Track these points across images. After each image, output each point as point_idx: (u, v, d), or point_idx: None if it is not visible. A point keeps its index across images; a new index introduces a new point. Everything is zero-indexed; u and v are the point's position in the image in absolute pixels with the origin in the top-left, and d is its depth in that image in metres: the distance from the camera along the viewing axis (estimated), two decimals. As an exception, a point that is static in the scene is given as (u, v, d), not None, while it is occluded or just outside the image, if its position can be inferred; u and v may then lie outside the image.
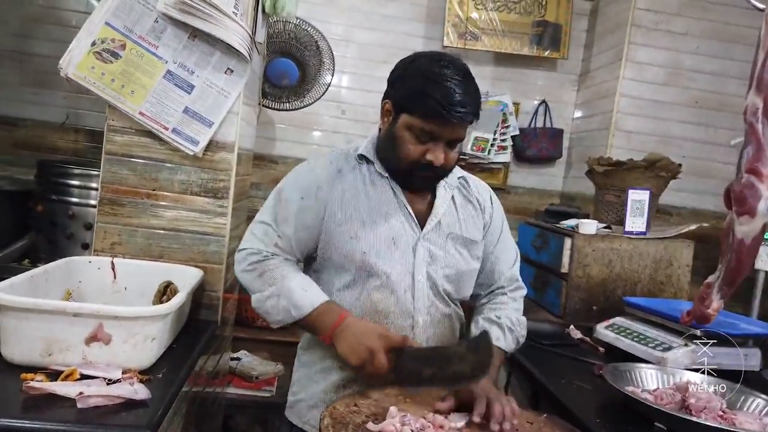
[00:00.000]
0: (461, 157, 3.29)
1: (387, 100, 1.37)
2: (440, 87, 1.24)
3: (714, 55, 2.95)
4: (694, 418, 1.25)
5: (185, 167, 1.68)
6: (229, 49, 1.63)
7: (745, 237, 1.00)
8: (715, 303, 1.04)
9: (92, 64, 1.57)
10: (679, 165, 2.32)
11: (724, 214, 2.83)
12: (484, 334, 1.24)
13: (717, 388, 1.46)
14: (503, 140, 3.30)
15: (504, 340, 1.41)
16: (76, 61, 1.57)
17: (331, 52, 2.79)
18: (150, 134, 1.65)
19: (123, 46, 1.59)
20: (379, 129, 1.44)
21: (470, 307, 1.57)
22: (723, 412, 1.32)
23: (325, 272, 1.41)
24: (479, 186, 1.55)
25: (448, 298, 1.42)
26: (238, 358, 2.44)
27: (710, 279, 1.08)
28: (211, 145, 1.68)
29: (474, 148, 3.23)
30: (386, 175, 1.41)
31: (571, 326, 2.06)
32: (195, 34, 1.62)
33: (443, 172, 1.37)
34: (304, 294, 1.31)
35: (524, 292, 1.57)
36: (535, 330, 2.00)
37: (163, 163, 1.68)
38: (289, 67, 2.61)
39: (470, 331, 1.47)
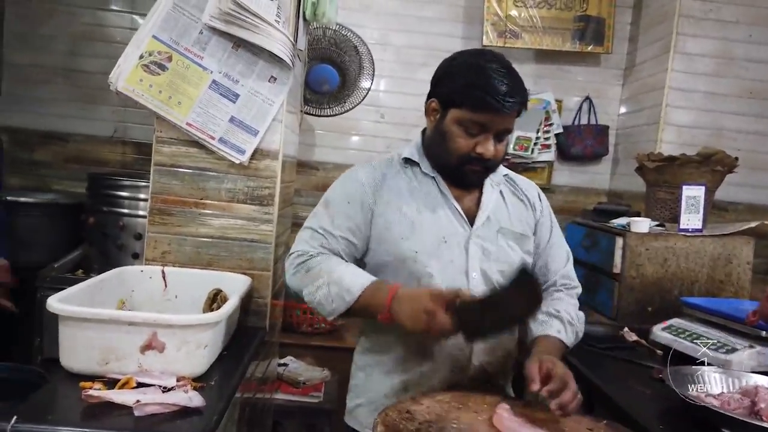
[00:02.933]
0: (505, 157, 3.25)
1: (432, 98, 1.39)
2: (487, 78, 1.26)
3: (759, 42, 2.83)
4: (765, 424, 1.19)
5: (231, 175, 1.70)
6: (272, 57, 1.64)
7: None
8: None
9: (140, 76, 1.61)
10: (736, 158, 2.22)
11: (784, 208, 2.71)
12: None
13: (788, 392, 1.39)
14: (546, 139, 3.23)
15: (565, 333, 1.39)
16: (125, 75, 1.60)
17: (371, 56, 2.79)
18: (196, 144, 1.67)
19: (169, 58, 1.61)
20: (422, 132, 1.48)
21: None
22: (797, 417, 1.25)
23: (379, 277, 1.38)
24: (526, 183, 1.54)
25: None
26: (285, 364, 2.45)
27: None
28: (256, 153, 1.69)
29: (517, 147, 3.18)
30: (432, 175, 1.42)
31: (626, 328, 1.99)
32: (239, 43, 1.63)
33: (493, 165, 1.36)
34: (354, 278, 1.30)
35: (579, 290, 1.55)
36: (587, 332, 1.92)
37: (210, 172, 1.70)
38: (330, 73, 2.62)
39: (530, 328, 1.43)
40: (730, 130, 2.82)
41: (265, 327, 1.74)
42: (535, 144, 3.18)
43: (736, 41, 2.80)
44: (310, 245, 1.39)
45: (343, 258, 1.40)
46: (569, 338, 1.40)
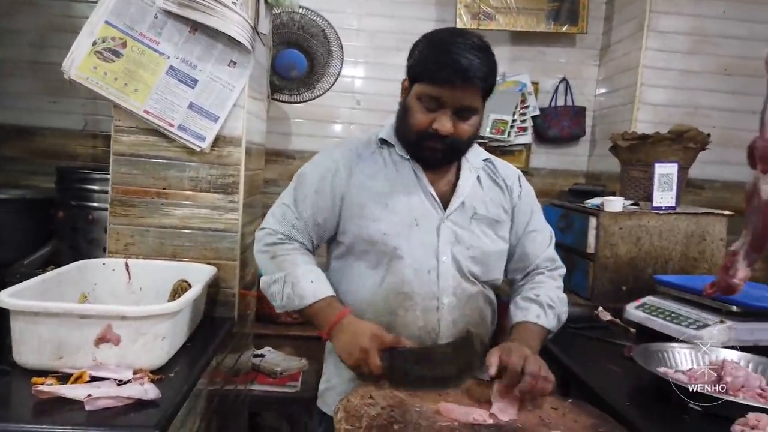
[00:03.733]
0: (481, 141, 3.22)
1: (405, 77, 1.38)
2: (448, 52, 1.25)
3: (742, 19, 2.81)
4: (731, 398, 1.18)
5: (193, 164, 1.66)
6: (231, 41, 1.60)
7: None
8: (741, 272, 0.96)
9: (94, 64, 1.56)
10: (708, 135, 2.21)
11: (760, 185, 2.72)
12: (468, 335, 1.19)
13: (756, 365, 1.38)
14: (523, 121, 3.21)
15: (545, 317, 1.38)
16: (77, 62, 1.56)
17: (339, 41, 2.73)
18: (157, 133, 1.63)
19: (124, 44, 1.57)
20: None
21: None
22: (762, 390, 1.25)
23: (351, 257, 1.40)
24: (507, 168, 1.51)
25: (475, 279, 1.39)
26: (262, 355, 2.43)
27: (735, 246, 0.99)
28: (219, 141, 1.66)
29: (493, 131, 3.16)
30: (407, 157, 1.40)
31: (600, 308, 1.99)
32: (195, 27, 1.59)
33: (454, 144, 1.31)
34: (310, 285, 1.32)
35: (563, 270, 1.54)
36: (563, 313, 1.94)
37: (172, 161, 1.66)
38: (297, 58, 2.57)
39: (511, 314, 1.43)
40: (705, 107, 2.82)
41: (234, 317, 1.71)
42: (512, 127, 3.16)
43: (710, 18, 2.78)
44: (280, 224, 1.40)
45: (312, 239, 1.41)
46: (549, 322, 1.38)
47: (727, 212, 2.13)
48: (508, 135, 3.17)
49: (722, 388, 1.24)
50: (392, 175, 1.39)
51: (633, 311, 1.84)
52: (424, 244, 1.34)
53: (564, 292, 2.22)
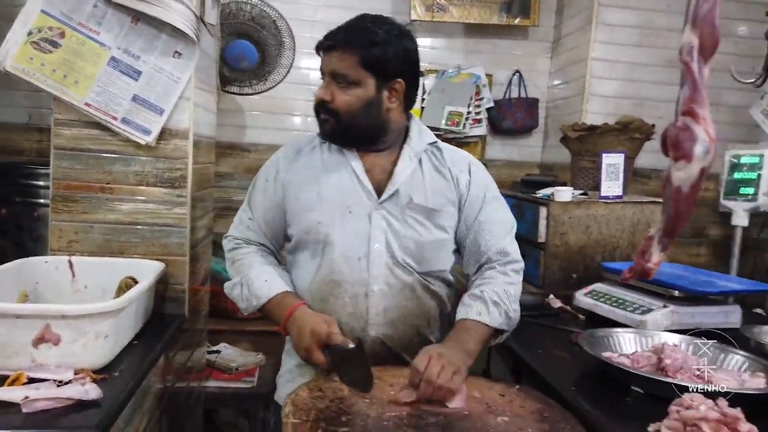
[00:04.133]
0: (436, 133, 3.24)
1: None
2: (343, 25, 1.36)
3: (683, 12, 2.89)
4: (668, 379, 1.22)
5: (139, 158, 1.62)
6: (175, 32, 1.55)
7: (683, 184, 0.95)
8: (656, 256, 0.99)
9: (30, 54, 1.50)
10: (653, 125, 2.28)
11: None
12: (359, 344, 1.19)
13: (695, 347, 1.44)
14: (478, 113, 3.24)
15: (487, 315, 1.33)
16: (13, 53, 1.49)
17: (291, 32, 2.71)
18: (100, 126, 1.58)
19: (62, 34, 1.51)
20: None
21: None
22: (700, 371, 1.29)
23: (297, 251, 1.44)
24: (455, 156, 1.46)
25: (410, 269, 1.37)
26: (217, 351, 2.39)
27: (652, 232, 1.03)
28: (165, 134, 1.61)
29: (448, 122, 3.18)
30: (344, 148, 1.42)
31: (551, 295, 2.03)
32: (137, 17, 1.55)
33: (336, 114, 1.35)
34: (264, 284, 1.37)
35: (519, 265, 1.46)
36: (515, 302, 1.98)
37: (116, 155, 1.61)
38: (248, 49, 2.53)
39: (457, 312, 1.39)
40: (651, 99, 2.89)
41: (184, 314, 1.68)
42: (467, 119, 3.19)
43: (655, 11, 2.86)
44: (238, 229, 1.49)
45: (269, 240, 1.47)
46: (494, 319, 1.34)
47: (658, 200, 2.20)
48: (463, 127, 3.20)
49: (662, 370, 1.29)
50: (328, 166, 1.41)
51: (582, 298, 1.89)
52: (356, 231, 1.35)
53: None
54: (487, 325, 1.34)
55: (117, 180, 1.62)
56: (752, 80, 1.39)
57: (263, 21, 2.56)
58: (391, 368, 1.27)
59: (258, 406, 2.26)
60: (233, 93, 2.73)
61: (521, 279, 1.46)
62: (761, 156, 2.14)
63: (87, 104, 1.54)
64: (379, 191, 1.38)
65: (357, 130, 1.37)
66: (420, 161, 1.41)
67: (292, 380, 1.42)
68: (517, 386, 1.25)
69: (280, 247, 1.50)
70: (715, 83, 1.83)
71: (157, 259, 1.62)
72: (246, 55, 2.53)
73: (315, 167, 1.42)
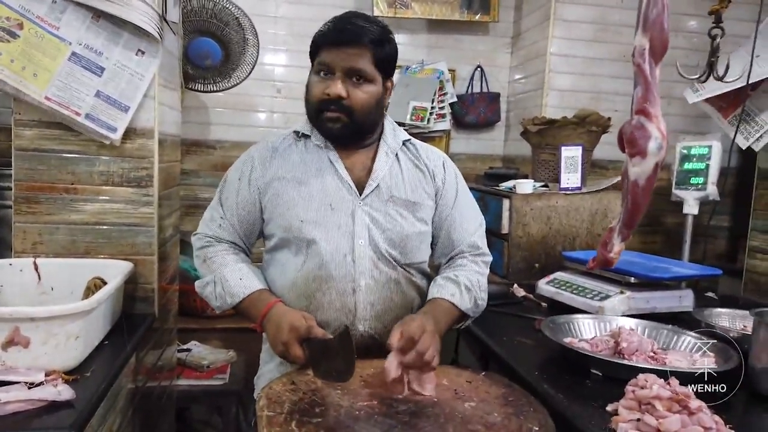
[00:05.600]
0: (401, 127, 3.28)
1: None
2: (337, 21, 1.34)
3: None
4: (625, 361, 1.29)
5: (103, 157, 1.61)
6: (137, 30, 1.55)
7: (638, 178, 1.02)
8: (617, 246, 1.06)
9: (-12, 46, 1.47)
10: (609, 119, 2.36)
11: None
12: (345, 330, 1.18)
13: (650, 330, 1.51)
14: (441, 108, 3.29)
15: (459, 297, 1.40)
16: (-32, 45, 1.46)
17: (254, 29, 2.70)
18: (62, 126, 1.56)
19: (20, 26, 1.48)
20: None
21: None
22: (654, 353, 1.37)
23: (278, 250, 1.43)
24: (430, 152, 1.51)
25: (395, 262, 1.41)
26: (188, 349, 2.39)
27: (613, 223, 1.09)
28: (130, 133, 1.61)
29: (413, 117, 3.22)
30: (323, 144, 1.43)
31: (515, 285, 2.10)
32: (99, 14, 1.53)
33: (350, 112, 1.34)
34: (239, 282, 1.37)
35: (488, 258, 1.54)
36: (481, 292, 2.03)
37: (80, 155, 1.60)
38: (211, 47, 2.51)
39: (428, 292, 1.45)
40: (607, 92, 2.99)
41: (154, 313, 1.68)
42: (431, 114, 3.23)
43: (609, 7, 2.94)
44: (209, 227, 1.46)
45: (241, 238, 1.46)
46: (464, 303, 1.40)
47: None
48: (428, 122, 3.24)
49: (619, 353, 1.36)
50: (307, 163, 1.41)
51: (544, 286, 1.96)
52: (340, 228, 1.37)
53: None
54: (457, 307, 1.40)
55: (81, 180, 1.61)
56: (697, 76, 1.47)
57: (226, 18, 2.55)
58: (363, 361, 1.30)
59: (230, 403, 2.27)
60: (197, 91, 2.71)
61: (488, 272, 1.53)
62: (710, 147, 2.25)
63: (47, 98, 1.51)
64: (360, 187, 1.40)
65: (365, 128, 1.39)
66: (397, 157, 1.45)
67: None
68: (483, 373, 1.30)
69: (251, 245, 1.50)
70: (666, 77, 1.92)
71: (125, 259, 1.62)
72: (210, 52, 2.51)
73: (294, 165, 1.41)
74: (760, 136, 2.06)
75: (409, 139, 1.50)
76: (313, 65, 1.38)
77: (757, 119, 2.06)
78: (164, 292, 1.84)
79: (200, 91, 2.75)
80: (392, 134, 1.47)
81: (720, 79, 1.49)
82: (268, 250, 1.47)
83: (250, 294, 1.36)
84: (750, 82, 1.92)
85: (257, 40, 2.72)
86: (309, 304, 1.36)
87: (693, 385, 1.13)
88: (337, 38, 1.30)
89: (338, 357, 1.18)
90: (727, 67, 1.50)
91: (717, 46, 1.44)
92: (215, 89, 2.73)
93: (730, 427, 1.04)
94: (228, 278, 1.37)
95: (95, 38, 1.54)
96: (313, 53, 1.38)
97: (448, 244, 1.50)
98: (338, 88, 1.31)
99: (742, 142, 2.10)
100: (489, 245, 2.34)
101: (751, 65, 1.95)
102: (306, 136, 1.45)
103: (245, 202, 1.43)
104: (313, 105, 1.36)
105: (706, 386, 1.17)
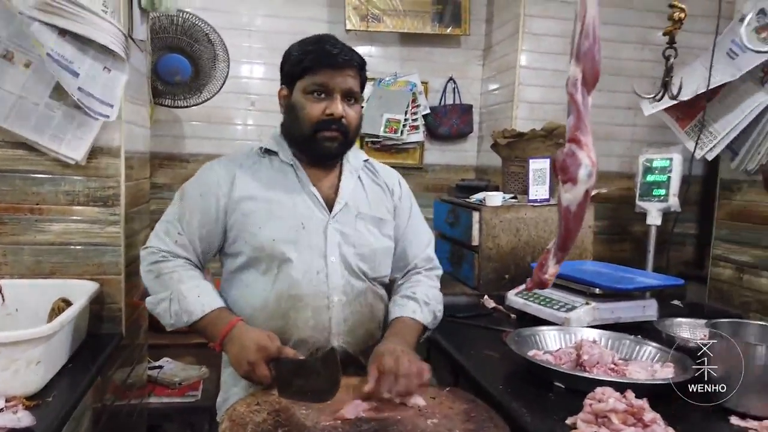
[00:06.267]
0: (375, 139, 3.31)
1: (281, 86, 1.46)
2: (319, 43, 1.38)
3: (608, 22, 3.04)
4: (585, 374, 1.31)
5: (68, 177, 1.60)
6: (103, 49, 1.55)
7: (570, 204, 1.05)
8: (551, 269, 1.09)
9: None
10: (575, 131, 2.41)
11: (628, 174, 2.98)
12: (331, 351, 1.22)
13: (613, 341, 1.54)
14: (414, 120, 3.33)
15: (420, 313, 1.46)
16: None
17: (224, 44, 2.71)
18: (25, 146, 1.55)
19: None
20: (281, 124, 1.50)
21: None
22: (615, 364, 1.39)
23: (244, 269, 1.42)
24: (386, 171, 1.60)
25: (364, 276, 1.44)
26: (159, 367, 2.37)
27: (549, 246, 1.12)
28: (95, 152, 1.60)
29: (387, 129, 3.25)
30: (291, 162, 1.44)
31: (485, 296, 2.12)
32: (64, 33, 1.53)
33: (347, 130, 1.40)
34: (197, 299, 1.34)
35: (440, 272, 1.63)
36: (452, 304, 2.04)
37: (44, 175, 1.59)
38: (181, 63, 2.52)
39: (389, 311, 1.49)
40: (576, 104, 3.04)
41: (121, 332, 1.67)
42: (404, 126, 3.27)
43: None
44: (163, 242, 1.41)
45: (198, 256, 1.43)
46: (425, 318, 1.47)
47: (593, 191, 2.33)
48: (401, 133, 3.27)
49: (580, 366, 1.39)
50: (276, 181, 1.42)
51: (513, 298, 1.99)
52: (311, 246, 1.38)
53: (454, 282, 2.37)
54: (420, 322, 1.45)
55: (47, 200, 1.60)
56: (652, 95, 1.52)
57: (196, 35, 2.56)
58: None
59: (203, 420, 2.26)
60: (168, 106, 2.70)
61: (439, 284, 1.61)
62: (671, 159, 2.30)
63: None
64: (329, 205, 1.43)
65: (349, 145, 1.46)
66: (359, 176, 1.50)
67: None
68: (448, 388, 1.31)
69: (206, 263, 1.47)
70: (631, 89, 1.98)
71: (91, 279, 1.61)
72: (179, 68, 2.51)
73: (262, 183, 1.42)
74: (714, 146, 2.11)
75: (368, 159, 1.56)
76: (296, 86, 1.40)
77: (711, 129, 2.11)
78: (134, 308, 1.83)
79: (170, 107, 2.75)
80: (353, 154, 1.52)
81: (674, 98, 1.54)
82: (232, 270, 1.44)
83: (209, 312, 1.33)
84: (706, 91, 1.99)
85: (227, 55, 2.73)
86: (284, 324, 1.36)
87: (650, 396, 1.16)
88: (335, 61, 1.35)
89: (319, 377, 1.18)
90: (680, 87, 1.55)
91: (671, 66, 1.48)
92: (185, 105, 2.73)
93: (684, 438, 1.07)
94: (186, 295, 1.33)
95: (62, 51, 1.53)
96: (298, 74, 1.39)
97: (404, 257, 1.56)
98: (341, 108, 1.36)
99: (697, 152, 2.16)
100: (460, 257, 2.39)
101: (710, 78, 2.01)
102: (273, 153, 1.46)
103: (207, 221, 1.40)
104: (309, 125, 1.38)
105: (663, 396, 1.20)
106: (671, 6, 1.43)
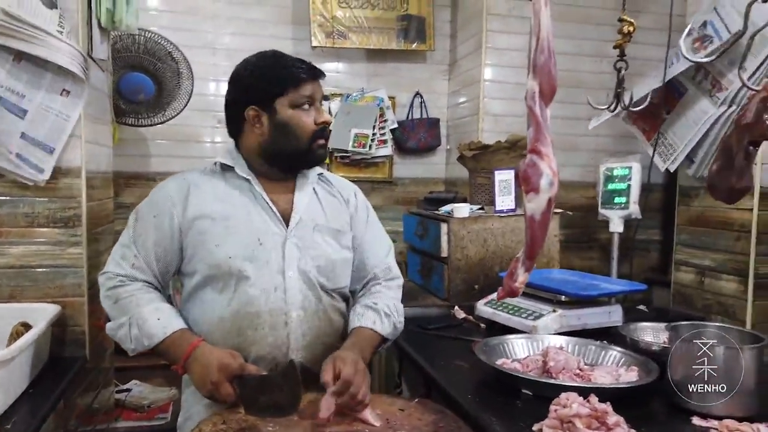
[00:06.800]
0: (344, 154, 3.33)
1: (248, 107, 1.40)
2: (287, 60, 1.41)
3: (567, 36, 3.13)
4: (551, 380, 1.33)
5: (28, 198, 1.57)
6: (61, 70, 1.53)
7: (534, 213, 1.08)
8: (521, 277, 1.11)
9: None
10: (539, 142, 2.46)
11: (592, 183, 3.04)
12: (291, 364, 1.21)
13: (579, 347, 1.57)
14: (383, 134, 3.35)
15: (380, 324, 1.45)
16: None
17: (188, 62, 2.70)
18: (-18, 168, 1.53)
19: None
20: (236, 142, 1.49)
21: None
22: (581, 369, 1.41)
23: (201, 288, 1.40)
24: (341, 183, 1.60)
25: (322, 290, 1.43)
26: (128, 390, 2.32)
27: (518, 255, 1.15)
28: (55, 173, 1.59)
29: (355, 144, 3.26)
30: (247, 177, 1.43)
31: (456, 307, 2.13)
32: (20, 56, 1.51)
33: (328, 136, 1.46)
34: (157, 322, 1.31)
35: (400, 281, 1.62)
36: (423, 316, 2.06)
37: (3, 197, 1.56)
38: (144, 81, 2.50)
39: (349, 321, 1.48)
40: (540, 116, 3.10)
41: (85, 355, 1.64)
42: (372, 140, 3.29)
43: (537, 36, 3.07)
44: (120, 266, 1.38)
45: (156, 276, 1.40)
46: (385, 329, 1.46)
47: (557, 210, 2.37)
48: (370, 148, 3.29)
49: (547, 372, 1.41)
50: (231, 197, 1.41)
51: (482, 308, 2.01)
52: (269, 262, 1.37)
53: (425, 294, 2.37)
54: (379, 333, 1.45)
55: (6, 223, 1.57)
56: (605, 106, 1.57)
57: (159, 53, 2.55)
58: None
59: (172, 443, 2.22)
60: (131, 125, 2.68)
61: (401, 294, 1.61)
62: (630, 168, 2.37)
63: (-32, 145, 1.48)
64: (286, 219, 1.42)
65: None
66: (314, 188, 1.50)
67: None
68: (417, 400, 1.31)
69: (166, 284, 1.45)
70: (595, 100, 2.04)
71: (53, 302, 1.58)
72: (142, 87, 2.49)
73: (218, 200, 1.40)
74: (675, 158, 2.18)
75: (322, 173, 1.56)
76: (275, 104, 1.38)
77: (671, 141, 2.18)
78: (99, 331, 1.79)
79: (134, 126, 2.73)
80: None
81: (626, 108, 1.59)
82: (190, 289, 1.42)
83: (170, 334, 1.31)
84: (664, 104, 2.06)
85: (191, 73, 2.72)
86: (242, 341, 1.35)
87: (614, 400, 1.18)
88: (315, 72, 1.41)
89: (281, 391, 1.18)
90: (631, 98, 1.61)
91: (623, 77, 1.53)
92: (149, 123, 2.71)
93: (647, 440, 1.09)
94: (146, 318, 1.31)
95: (17, 81, 1.51)
96: (278, 92, 1.38)
97: (363, 268, 1.56)
98: (327, 115, 1.44)
99: (661, 165, 2.22)
100: (430, 269, 2.41)
101: (665, 88, 2.08)
102: (228, 168, 1.45)
103: (163, 241, 1.38)
104: (306, 137, 1.41)
105: (627, 399, 1.22)
106: (620, 20, 1.48)
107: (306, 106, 1.39)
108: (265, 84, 1.38)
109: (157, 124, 2.75)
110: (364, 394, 1.19)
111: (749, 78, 1.76)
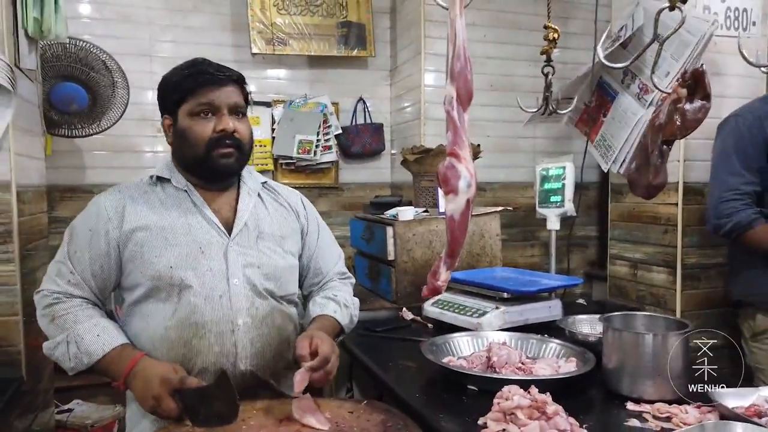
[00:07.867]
0: (289, 161, 3.32)
1: (163, 116, 1.42)
2: (193, 65, 1.38)
3: (501, 42, 3.23)
4: (495, 375, 1.38)
5: (-46, 215, 1.50)
6: (-14, 81, 1.48)
7: (454, 213, 1.12)
8: (443, 275, 1.16)
9: None
10: (479, 145, 2.52)
11: (531, 183, 3.15)
12: (222, 373, 1.20)
13: (521, 342, 1.62)
14: (327, 140, 3.36)
15: (341, 314, 1.51)
16: None
17: (122, 71, 2.64)
18: None
19: None
20: (173, 153, 1.47)
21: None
22: (522, 363, 1.47)
23: (143, 300, 1.37)
24: (287, 191, 1.61)
25: (271, 296, 1.43)
26: (69, 410, 2.24)
27: (442, 254, 1.19)
28: (-18, 187, 1.52)
29: (300, 150, 3.26)
30: (184, 188, 1.41)
31: (404, 309, 2.17)
32: (-59, 67, 1.45)
33: (240, 145, 1.39)
34: (96, 339, 1.28)
35: (353, 280, 1.70)
36: (372, 319, 2.08)
37: (-75, 215, 1.49)
38: (76, 92, 2.41)
39: (308, 310, 1.53)
40: (480, 119, 3.18)
41: (21, 376, 1.58)
42: (317, 146, 3.30)
43: (473, 41, 3.15)
44: (56, 283, 1.35)
45: (94, 292, 1.37)
46: (344, 319, 1.52)
47: (498, 209, 2.45)
48: (315, 154, 3.30)
49: (491, 367, 1.45)
50: (169, 208, 1.39)
51: (429, 308, 2.05)
52: (212, 270, 1.36)
53: (374, 297, 2.40)
54: (339, 322, 1.50)
55: (-71, 241, 1.49)
56: (535, 110, 1.64)
57: (92, 62, 2.47)
58: (243, 401, 1.29)
59: (119, 462, 2.15)
60: (65, 136, 2.58)
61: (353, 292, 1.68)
62: (564, 168, 2.47)
63: None
64: (228, 228, 1.41)
65: (246, 159, 1.44)
66: (259, 196, 1.50)
67: None
68: (365, 402, 1.33)
69: (105, 299, 1.42)
70: (530, 104, 2.11)
71: (-17, 323, 1.51)
72: (75, 97, 2.41)
73: (155, 211, 1.38)
74: (615, 159, 2.28)
75: (266, 181, 1.56)
76: (179, 112, 1.37)
77: (609, 143, 2.29)
78: (36, 350, 1.72)
79: (68, 137, 2.64)
80: (250, 176, 1.52)
81: (554, 112, 1.66)
82: (131, 303, 1.39)
83: (111, 350, 1.27)
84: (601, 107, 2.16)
85: (127, 82, 2.66)
86: (187, 352, 1.33)
87: (554, 390, 1.23)
88: (215, 78, 1.35)
89: (219, 401, 1.17)
90: (558, 102, 1.68)
91: (550, 82, 1.61)
92: (84, 134, 2.62)
93: (585, 427, 1.15)
94: (83, 336, 1.27)
95: (-63, 91, 1.45)
96: (179, 100, 1.36)
97: (317, 274, 1.60)
98: (231, 123, 1.35)
99: (604, 166, 2.32)
100: (378, 273, 2.43)
101: (594, 91, 2.18)
102: (165, 180, 1.43)
103: (99, 256, 1.35)
104: (201, 145, 1.36)
105: (567, 388, 1.28)
106: (546, 27, 1.56)
107: (205, 114, 1.35)
108: (169, 92, 1.38)
109: (93, 134, 2.67)
110: (333, 375, 1.26)
111: (670, 82, 1.87)
